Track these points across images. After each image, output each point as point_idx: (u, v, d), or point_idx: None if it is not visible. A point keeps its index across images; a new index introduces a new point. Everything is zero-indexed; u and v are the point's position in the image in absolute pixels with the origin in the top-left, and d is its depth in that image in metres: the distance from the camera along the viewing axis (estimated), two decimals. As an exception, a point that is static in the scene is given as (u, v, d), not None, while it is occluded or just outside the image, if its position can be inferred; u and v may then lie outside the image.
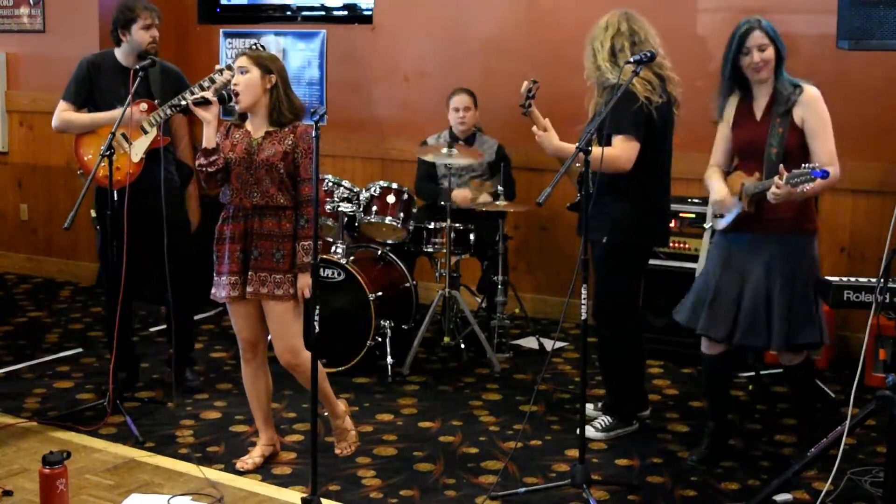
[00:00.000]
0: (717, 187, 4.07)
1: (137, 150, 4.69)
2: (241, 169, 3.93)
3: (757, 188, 3.89)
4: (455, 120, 5.79)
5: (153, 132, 4.70)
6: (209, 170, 3.90)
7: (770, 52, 3.95)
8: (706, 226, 4.31)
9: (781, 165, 3.77)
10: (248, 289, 3.93)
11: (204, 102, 3.89)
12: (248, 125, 4.00)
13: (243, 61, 3.94)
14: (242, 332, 4.07)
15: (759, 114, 4.02)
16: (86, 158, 4.76)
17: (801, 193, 3.70)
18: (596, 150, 3.85)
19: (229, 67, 4.57)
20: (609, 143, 4.19)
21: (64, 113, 4.81)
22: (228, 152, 3.95)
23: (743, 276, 4.01)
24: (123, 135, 4.64)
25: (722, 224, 4.08)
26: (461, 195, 5.61)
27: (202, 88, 4.65)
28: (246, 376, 4.15)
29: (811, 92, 3.93)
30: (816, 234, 4.07)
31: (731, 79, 4.05)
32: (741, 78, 4.04)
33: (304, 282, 3.91)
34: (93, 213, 4.63)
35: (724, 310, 4.02)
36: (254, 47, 4.28)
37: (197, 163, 3.93)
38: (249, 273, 3.94)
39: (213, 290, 4.03)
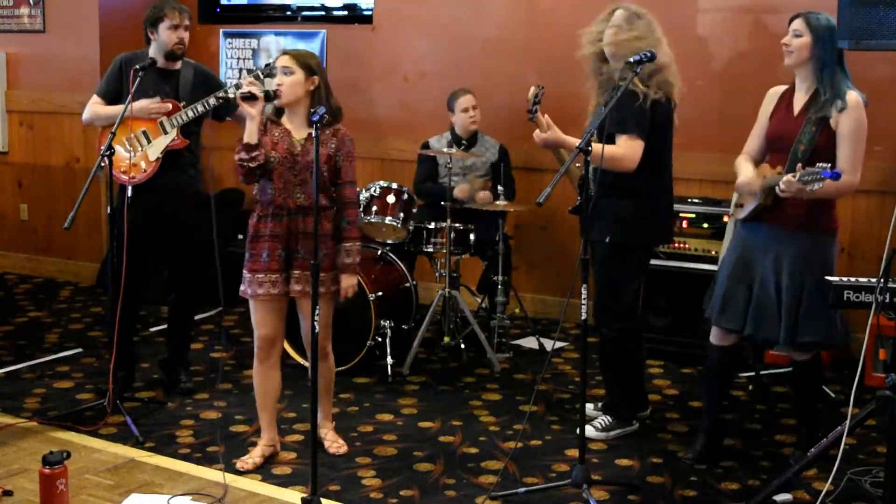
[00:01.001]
0: (745, 170, 4.04)
1: (155, 149, 4.69)
2: (284, 169, 3.95)
3: (770, 181, 3.89)
4: (466, 120, 5.80)
5: (173, 133, 4.69)
6: (250, 165, 3.90)
7: (802, 42, 3.92)
8: (729, 214, 4.27)
9: (800, 164, 3.75)
10: (296, 287, 3.99)
11: (250, 97, 3.88)
12: (287, 123, 4.02)
13: (287, 61, 3.95)
14: (263, 329, 4.07)
15: (796, 109, 4.00)
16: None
17: (810, 192, 3.69)
18: (597, 147, 3.83)
19: (258, 77, 4.63)
20: (611, 142, 4.17)
21: (93, 105, 4.81)
22: (270, 150, 3.95)
23: (756, 267, 4.01)
24: (145, 132, 4.65)
25: (742, 214, 4.08)
26: (461, 189, 5.62)
27: (226, 93, 4.66)
28: (257, 374, 4.14)
29: (853, 98, 3.90)
30: (835, 234, 4.04)
31: None
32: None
33: (349, 282, 4.04)
34: (109, 210, 4.64)
35: (735, 300, 4.03)
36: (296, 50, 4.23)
37: (237, 157, 3.92)
38: (295, 272, 3.99)
39: (242, 287, 4.05)
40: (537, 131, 4.26)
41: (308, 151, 3.95)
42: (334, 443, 4.28)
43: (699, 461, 4.17)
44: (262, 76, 4.72)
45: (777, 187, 3.78)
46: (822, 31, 3.92)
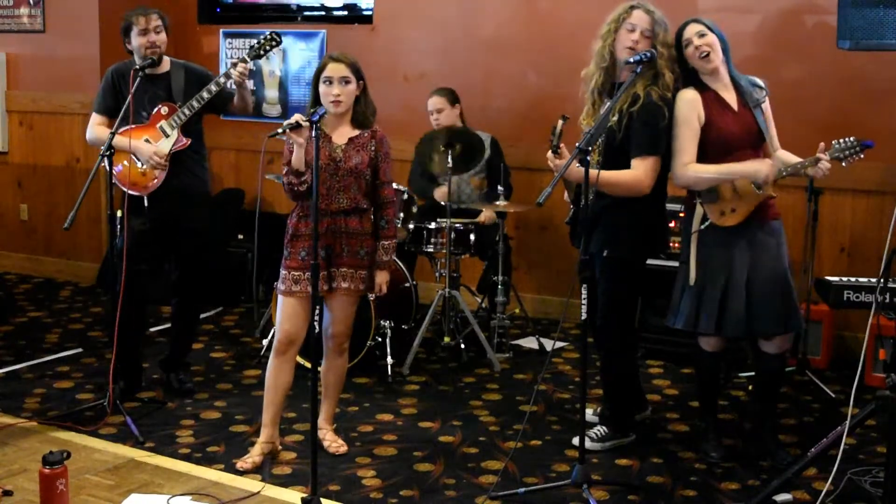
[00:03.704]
0: (744, 164, 3.96)
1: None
2: (327, 175, 3.99)
3: (789, 170, 3.92)
4: (432, 122, 5.79)
5: (174, 134, 4.68)
6: (300, 189, 3.94)
7: (712, 38, 3.98)
8: (695, 229, 4.12)
9: (823, 143, 3.83)
10: (344, 284, 4.06)
11: (297, 127, 3.83)
12: (326, 128, 4.04)
13: (344, 71, 3.98)
14: (287, 324, 4.08)
15: (735, 106, 4.05)
16: (115, 169, 4.67)
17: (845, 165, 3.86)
18: (593, 174, 3.77)
19: (244, 60, 4.62)
20: (623, 155, 4.07)
21: (97, 128, 4.77)
22: (311, 157, 3.93)
23: (752, 265, 4.01)
24: (147, 140, 4.63)
25: (736, 218, 3.99)
26: (440, 193, 5.60)
27: (218, 85, 4.62)
28: (271, 369, 4.14)
29: (761, 80, 4.12)
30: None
31: (686, 80, 4.08)
32: (695, 79, 4.07)
33: (384, 278, 4.13)
34: (119, 214, 4.61)
35: (736, 303, 4.01)
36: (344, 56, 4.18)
37: (287, 181, 3.97)
38: (343, 269, 4.05)
39: (278, 284, 4.08)
40: (550, 153, 4.08)
41: (350, 157, 4.01)
42: (333, 443, 4.29)
43: (726, 458, 4.17)
44: (249, 59, 4.69)
45: (819, 170, 3.84)
46: (715, 26, 4.03)
